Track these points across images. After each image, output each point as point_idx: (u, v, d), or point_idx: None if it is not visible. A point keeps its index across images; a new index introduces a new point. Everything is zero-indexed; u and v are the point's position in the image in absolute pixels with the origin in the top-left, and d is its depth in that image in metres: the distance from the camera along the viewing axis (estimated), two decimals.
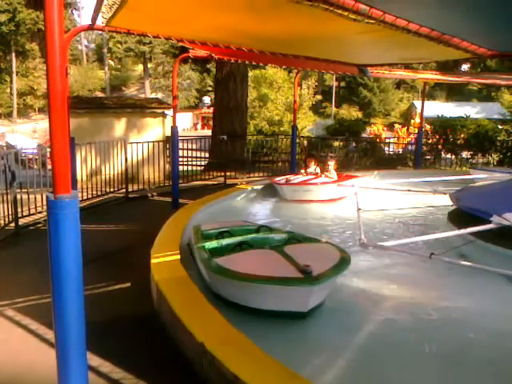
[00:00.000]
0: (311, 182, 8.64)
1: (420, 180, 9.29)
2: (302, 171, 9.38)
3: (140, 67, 60.21)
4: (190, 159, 14.69)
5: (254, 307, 3.91)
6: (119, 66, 62.62)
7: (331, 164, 9.07)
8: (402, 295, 4.67)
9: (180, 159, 12.00)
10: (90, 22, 5.23)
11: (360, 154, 16.98)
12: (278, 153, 16.37)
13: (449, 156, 15.57)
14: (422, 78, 10.97)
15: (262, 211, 8.40)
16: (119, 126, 12.44)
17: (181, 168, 12.02)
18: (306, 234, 5.31)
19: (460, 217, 6.65)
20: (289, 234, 5.17)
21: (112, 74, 59.98)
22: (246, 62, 8.65)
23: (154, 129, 12.61)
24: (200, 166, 14.33)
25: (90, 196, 9.09)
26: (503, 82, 12.00)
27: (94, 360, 3.54)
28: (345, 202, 8.68)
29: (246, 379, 2.90)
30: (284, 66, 8.87)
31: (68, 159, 2.25)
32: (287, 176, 9.09)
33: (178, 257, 4.97)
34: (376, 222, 7.29)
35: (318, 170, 9.26)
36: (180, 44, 6.19)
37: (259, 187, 9.45)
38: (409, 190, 8.70)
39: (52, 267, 2.29)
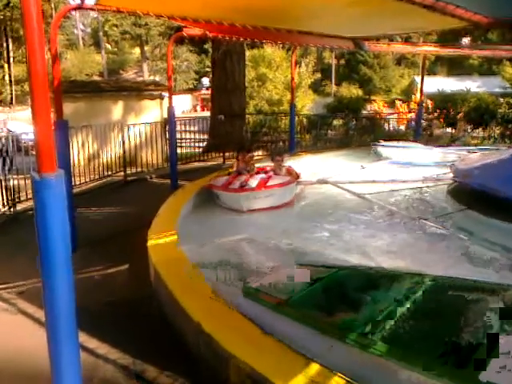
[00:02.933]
0: (275, 183, 6.98)
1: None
2: (231, 171, 7.76)
3: (137, 50, 59.63)
4: (188, 141, 14.61)
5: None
6: (116, 50, 62.01)
7: (280, 159, 7.67)
8: None
9: (178, 141, 11.95)
10: (80, 1, 5.14)
11: (360, 131, 16.85)
12: (277, 132, 16.25)
13: (449, 130, 15.41)
14: (420, 50, 10.79)
15: None
16: (116, 109, 12.34)
17: (180, 150, 11.99)
18: None
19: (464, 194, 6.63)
20: None
21: (109, 57, 59.39)
22: (242, 40, 8.50)
23: (151, 111, 12.51)
24: (199, 147, 14.25)
25: (88, 180, 9.06)
26: (503, 53, 11.80)
27: (91, 342, 3.54)
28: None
29: (242, 358, 2.89)
30: (278, 42, 8.71)
31: (51, 137, 2.20)
32: (221, 178, 7.34)
33: (176, 237, 4.96)
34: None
35: (254, 168, 7.66)
36: (171, 21, 6.08)
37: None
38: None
39: (40, 247, 2.25)
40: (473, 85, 26.11)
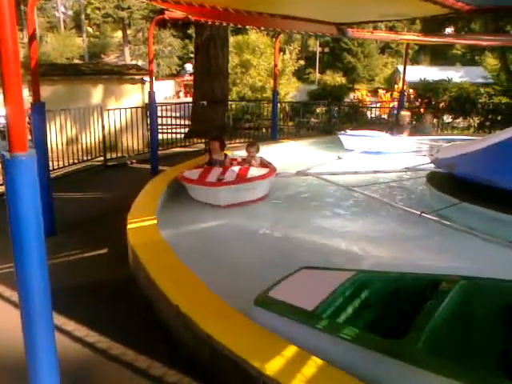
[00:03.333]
0: (256, 175, 6.61)
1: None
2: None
3: (119, 34, 58.61)
4: (170, 127, 14.47)
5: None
6: (98, 33, 60.87)
7: (253, 150, 7.29)
8: None
9: (160, 127, 11.85)
10: None
11: (343, 119, 16.89)
12: (260, 119, 16.20)
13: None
14: (403, 39, 10.82)
15: None
16: (96, 93, 12.15)
17: (162, 136, 11.88)
18: None
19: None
20: None
21: (90, 41, 58.31)
22: (224, 24, 8.40)
23: (132, 96, 12.35)
24: (181, 133, 14.13)
25: (67, 164, 8.93)
26: (484, 43, 11.91)
27: (69, 325, 3.52)
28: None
29: (220, 339, 2.90)
30: (261, 27, 8.61)
31: (23, 116, 2.16)
32: (193, 171, 6.80)
33: (155, 221, 4.93)
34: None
35: (228, 159, 7.21)
36: (153, 4, 5.98)
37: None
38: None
39: (12, 229, 2.21)
40: (455, 75, 26.38)
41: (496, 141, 6.26)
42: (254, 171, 6.78)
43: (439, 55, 53.97)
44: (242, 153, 8.01)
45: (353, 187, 6.49)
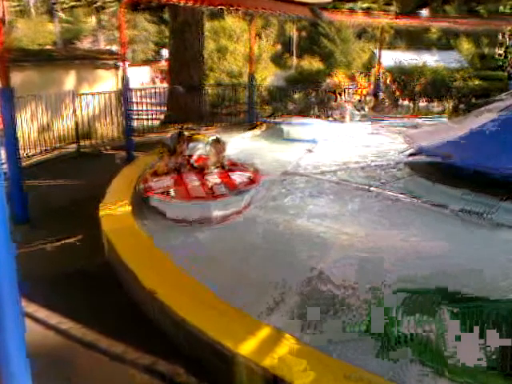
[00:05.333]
0: (244, 180, 5.80)
1: None
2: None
3: (93, 19, 57.31)
4: (147, 113, 14.26)
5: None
6: (71, 19, 59.41)
7: (221, 148, 6.22)
8: None
9: (136, 113, 11.67)
10: None
11: (320, 103, 16.88)
12: (239, 104, 16.08)
13: (406, 103, 15.69)
14: (379, 20, 10.82)
15: None
16: (69, 79, 11.89)
17: (137, 122, 11.71)
18: None
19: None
20: None
21: (63, 27, 56.87)
22: (197, 6, 8.26)
23: (106, 81, 12.14)
24: (157, 119, 13.96)
25: (39, 152, 8.75)
26: (457, 26, 12.01)
27: (42, 312, 3.49)
28: None
29: (194, 322, 2.90)
30: (234, 7, 8.50)
31: None
32: (160, 179, 5.67)
33: (129, 208, 4.90)
34: None
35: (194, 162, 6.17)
36: None
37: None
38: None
39: None
40: (431, 58, 26.54)
41: (476, 125, 6.43)
42: (237, 176, 5.89)
43: (415, 40, 54.26)
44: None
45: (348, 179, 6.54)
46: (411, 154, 7.35)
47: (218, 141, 6.31)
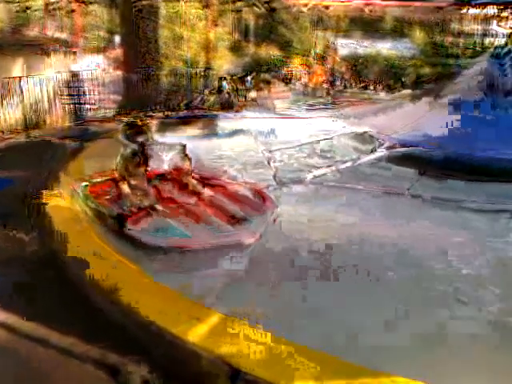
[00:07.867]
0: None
1: None
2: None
3: (40, 4, 55.14)
4: (99, 102, 13.86)
5: None
6: (17, 4, 56.99)
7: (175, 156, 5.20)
8: None
9: (87, 101, 11.36)
10: None
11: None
12: (197, 92, 15.98)
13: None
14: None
15: None
16: (15, 66, 11.39)
17: (90, 111, 11.38)
18: None
19: None
20: None
21: (10, 13, 54.53)
22: None
23: (54, 68, 11.67)
24: (112, 108, 13.59)
25: None
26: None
27: None
28: None
29: (143, 311, 2.86)
30: None
31: None
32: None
33: (78, 197, 4.75)
34: None
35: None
36: None
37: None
38: None
39: None
40: (385, 47, 26.97)
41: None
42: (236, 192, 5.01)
43: (370, 28, 55.16)
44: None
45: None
46: (388, 147, 7.34)
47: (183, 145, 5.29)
